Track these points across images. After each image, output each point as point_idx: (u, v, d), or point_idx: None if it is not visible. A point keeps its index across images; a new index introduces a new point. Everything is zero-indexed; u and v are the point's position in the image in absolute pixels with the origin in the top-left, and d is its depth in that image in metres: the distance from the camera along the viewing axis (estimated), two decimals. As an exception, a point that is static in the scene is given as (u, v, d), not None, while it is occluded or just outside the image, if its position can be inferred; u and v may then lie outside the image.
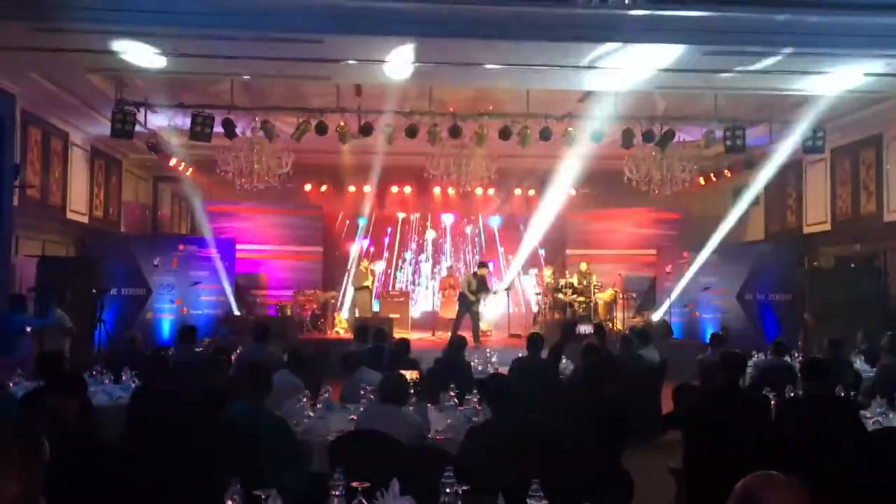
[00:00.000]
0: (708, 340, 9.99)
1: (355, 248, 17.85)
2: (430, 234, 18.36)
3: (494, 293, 14.81)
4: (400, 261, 18.45)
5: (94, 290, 10.98)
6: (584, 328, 11.94)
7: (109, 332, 10.61)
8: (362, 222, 17.98)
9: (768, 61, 9.66)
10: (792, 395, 6.26)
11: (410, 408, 4.90)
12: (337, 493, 2.81)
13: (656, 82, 10.69)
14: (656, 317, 15.59)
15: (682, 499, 5.64)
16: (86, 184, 14.39)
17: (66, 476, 4.03)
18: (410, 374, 5.47)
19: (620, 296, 16.18)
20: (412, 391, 5.14)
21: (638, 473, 4.98)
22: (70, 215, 13.66)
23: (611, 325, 14.99)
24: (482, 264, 14.95)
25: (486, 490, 3.21)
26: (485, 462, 4.00)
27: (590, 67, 9.84)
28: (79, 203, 14.05)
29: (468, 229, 18.58)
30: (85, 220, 14.30)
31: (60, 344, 9.37)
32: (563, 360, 8.45)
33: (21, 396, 5.05)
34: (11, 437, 2.34)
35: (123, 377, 6.74)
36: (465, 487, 3.01)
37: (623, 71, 9.99)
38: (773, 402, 5.94)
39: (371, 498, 3.03)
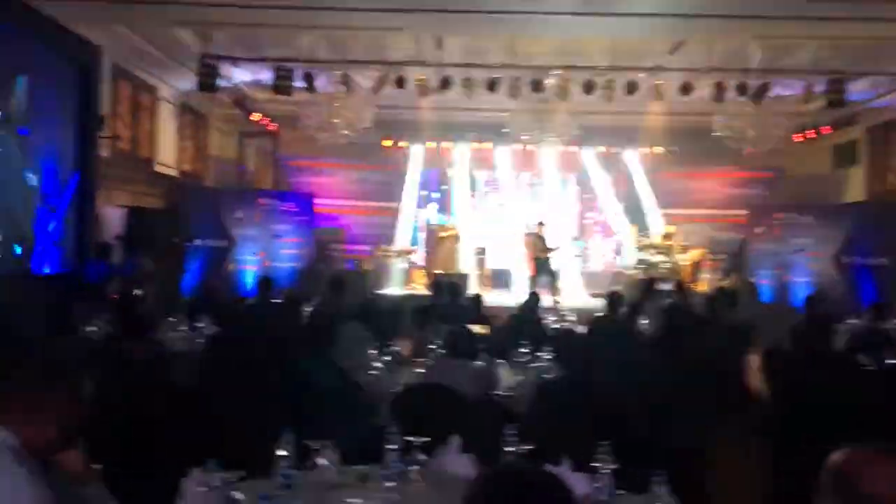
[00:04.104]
0: (802, 303, 9.50)
1: (430, 206, 17.80)
2: (510, 191, 18.01)
3: (558, 248, 14.61)
4: (479, 217, 18.22)
5: (175, 241, 11.22)
6: (666, 286, 11.52)
7: (192, 282, 10.84)
8: (439, 178, 17.86)
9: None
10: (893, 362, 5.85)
11: (480, 363, 4.78)
12: (394, 446, 2.70)
13: (752, 30, 10.10)
14: (743, 279, 15.00)
15: (762, 466, 5.38)
16: (173, 137, 14.70)
17: (135, 418, 4.09)
18: (480, 329, 5.35)
19: (708, 257, 15.60)
20: (482, 346, 5.01)
21: (716, 439, 4.76)
22: (158, 168, 13.98)
23: (695, 286, 14.48)
24: (539, 223, 14.75)
25: (553, 450, 3.05)
26: (553, 421, 3.84)
27: (676, 15, 9.36)
28: (167, 156, 14.36)
29: (553, 185, 18.10)
30: (174, 172, 14.63)
31: (143, 288, 9.59)
32: (645, 320, 8.15)
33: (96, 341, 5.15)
34: (47, 379, 2.26)
35: (201, 325, 6.84)
36: (529, 447, 2.86)
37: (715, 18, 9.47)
38: (867, 369, 5.58)
39: (429, 453, 2.92)
